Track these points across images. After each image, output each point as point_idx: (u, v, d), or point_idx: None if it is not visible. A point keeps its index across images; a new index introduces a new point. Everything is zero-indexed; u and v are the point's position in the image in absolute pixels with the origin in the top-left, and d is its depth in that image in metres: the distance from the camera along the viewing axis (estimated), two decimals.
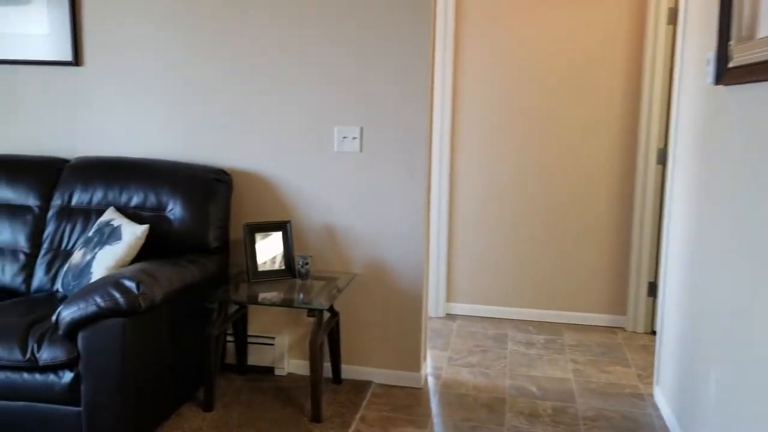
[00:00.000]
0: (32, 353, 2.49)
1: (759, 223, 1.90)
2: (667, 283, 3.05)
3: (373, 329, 3.25)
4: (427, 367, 3.48)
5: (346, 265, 3.23)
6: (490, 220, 4.24)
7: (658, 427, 2.89)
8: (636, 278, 4.07)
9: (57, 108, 3.37)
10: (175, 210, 3.03)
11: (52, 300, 2.87)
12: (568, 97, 4.06)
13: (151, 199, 3.05)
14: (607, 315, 4.20)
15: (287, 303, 2.82)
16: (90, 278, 2.76)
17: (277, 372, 3.32)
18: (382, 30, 3.03)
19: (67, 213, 3.11)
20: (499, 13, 4.06)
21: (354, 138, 3.12)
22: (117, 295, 2.42)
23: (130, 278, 2.47)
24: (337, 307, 3.24)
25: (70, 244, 3.07)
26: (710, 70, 2.46)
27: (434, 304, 4.30)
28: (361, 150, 3.13)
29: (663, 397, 3.02)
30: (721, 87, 2.34)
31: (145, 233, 2.80)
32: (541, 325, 4.20)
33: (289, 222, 3.10)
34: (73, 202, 3.12)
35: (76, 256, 2.89)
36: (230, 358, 3.34)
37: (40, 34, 3.30)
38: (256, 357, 3.32)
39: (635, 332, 4.11)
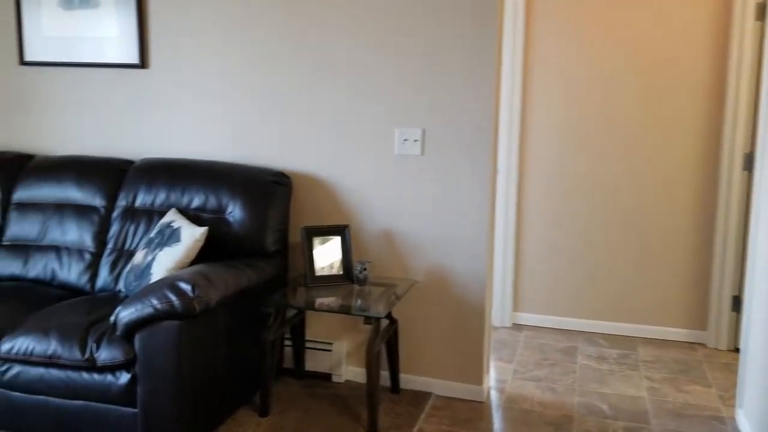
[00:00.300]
0: (91, 353, 2.51)
1: None
2: (753, 298, 2.81)
3: (433, 338, 3.14)
4: (491, 380, 3.35)
5: (405, 271, 3.13)
6: (561, 226, 4.06)
7: None
8: (718, 291, 3.80)
9: (123, 110, 3.42)
10: (234, 212, 3.01)
11: (114, 300, 2.89)
12: (646, 98, 3.84)
13: (212, 201, 3.04)
14: (686, 330, 3.94)
15: (344, 310, 2.75)
16: (150, 279, 2.76)
17: (335, 378, 3.25)
18: (445, 29, 2.92)
19: (131, 214, 3.14)
20: (573, 12, 3.88)
21: (415, 140, 3.03)
22: (173, 297, 2.40)
23: (186, 281, 2.45)
24: (395, 315, 3.15)
25: (134, 245, 3.10)
26: None
27: (500, 313, 4.15)
28: (422, 153, 3.03)
29: (746, 421, 2.79)
30: None
31: (204, 235, 2.79)
32: (614, 339, 3.98)
33: (347, 226, 3.03)
34: (137, 203, 3.15)
35: (138, 257, 2.91)
36: (288, 362, 3.30)
37: (109, 37, 3.35)
38: (313, 362, 3.26)
39: (717, 349, 3.83)
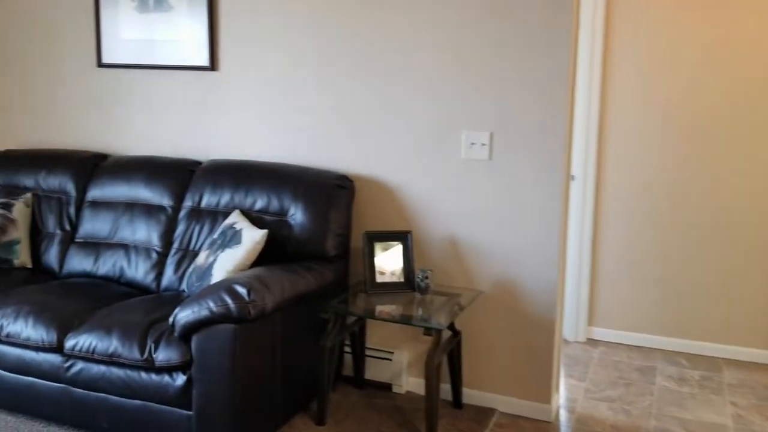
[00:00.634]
0: (149, 353, 2.51)
1: None
2: None
3: (498, 352, 3.00)
4: (560, 399, 3.17)
5: (470, 281, 3.00)
6: (642, 236, 3.82)
7: None
8: None
9: (194, 111, 3.44)
10: (296, 215, 2.96)
11: (177, 300, 2.90)
12: (734, 101, 3.56)
13: (274, 204, 3.01)
14: None
15: (405, 319, 2.65)
16: (210, 280, 2.75)
17: (395, 389, 3.16)
18: (516, 28, 2.78)
19: (197, 214, 3.15)
20: (655, 9, 3.64)
21: (483, 144, 2.89)
22: (229, 300, 2.37)
23: (242, 284, 2.42)
24: (459, 326, 3.03)
25: (198, 245, 3.11)
26: None
27: (573, 327, 3.94)
28: (490, 157, 2.90)
29: None
30: None
31: (264, 238, 2.76)
32: (696, 359, 3.71)
33: (410, 232, 2.93)
34: (203, 203, 3.16)
35: (201, 258, 2.91)
36: (348, 370, 3.23)
37: (181, 39, 3.39)
38: (373, 371, 3.18)
39: None
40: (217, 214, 3.11)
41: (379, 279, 2.90)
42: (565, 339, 3.96)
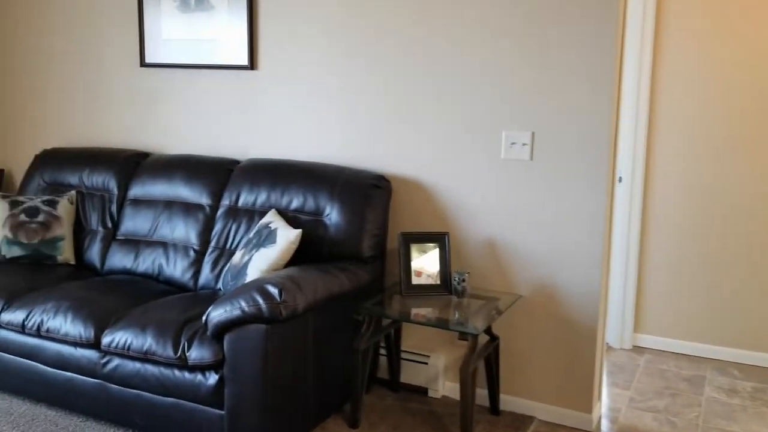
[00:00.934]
0: (183, 351, 2.51)
1: None
2: None
3: (538, 358, 2.91)
4: (602, 408, 3.06)
5: (509, 284, 2.92)
6: (692, 240, 3.66)
7: None
8: None
9: (233, 110, 3.45)
10: (331, 215, 2.93)
11: (213, 299, 2.90)
12: None
13: (310, 203, 2.98)
14: None
15: (441, 323, 2.58)
16: (245, 279, 2.74)
17: (431, 394, 3.10)
18: (560, 24, 2.69)
19: (234, 213, 3.15)
20: (709, 7, 3.49)
21: (524, 144, 2.81)
22: (260, 300, 2.35)
23: (274, 284, 2.39)
24: (497, 331, 2.94)
25: (234, 244, 3.10)
26: None
27: (618, 333, 3.81)
28: (531, 158, 2.81)
29: None
30: None
31: (299, 238, 2.73)
32: (749, 370, 3.54)
33: (447, 234, 2.86)
34: (240, 202, 3.15)
35: (237, 257, 2.90)
36: (383, 372, 3.18)
37: (221, 39, 3.39)
38: (409, 375, 3.12)
39: None
40: (253, 213, 3.10)
41: (414, 281, 2.84)
42: (610, 346, 3.83)
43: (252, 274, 2.72)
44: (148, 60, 3.62)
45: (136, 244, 3.33)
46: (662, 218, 3.71)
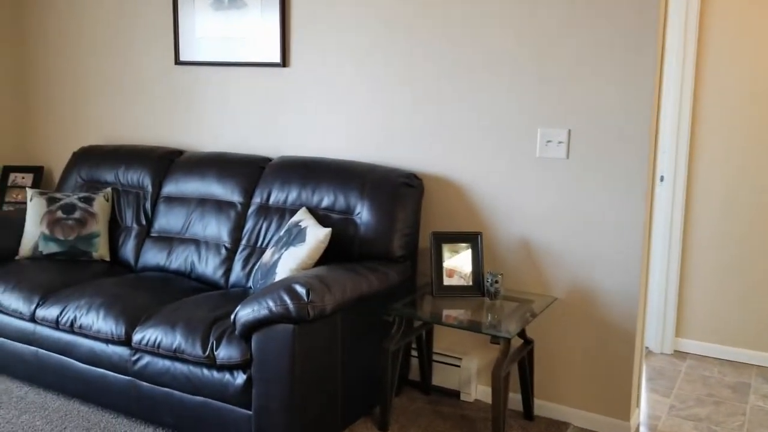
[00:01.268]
0: (211, 350, 2.50)
1: None
2: None
3: (573, 363, 2.82)
4: (641, 415, 2.95)
5: (544, 286, 2.84)
6: (736, 241, 3.52)
7: None
8: None
9: (266, 107, 3.43)
10: (362, 213, 2.89)
11: (243, 297, 2.89)
12: None
13: (340, 201, 2.94)
14: None
15: (473, 327, 2.51)
16: (274, 278, 2.72)
17: (463, 397, 3.03)
18: (598, 18, 2.60)
19: (265, 211, 3.13)
20: (756, 1, 3.35)
21: (560, 142, 2.72)
22: (288, 300, 2.32)
23: (302, 284, 2.36)
24: (531, 334, 2.87)
25: (265, 242, 3.09)
26: None
27: (658, 338, 3.69)
28: (567, 156, 2.72)
29: None
30: None
31: (328, 237, 2.69)
32: None
33: (480, 234, 2.80)
34: (271, 200, 3.13)
35: (267, 255, 2.88)
36: (415, 374, 3.13)
37: (253, 36, 3.38)
38: (441, 377, 3.06)
39: None
40: (284, 211, 3.08)
41: (446, 282, 2.78)
42: (650, 350, 3.71)
43: (281, 272, 2.69)
44: (182, 58, 3.63)
45: (169, 241, 3.35)
46: (706, 218, 3.57)
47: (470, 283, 2.78)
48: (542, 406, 2.90)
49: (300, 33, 3.27)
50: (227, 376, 2.49)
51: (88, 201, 3.49)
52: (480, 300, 2.74)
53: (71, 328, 2.82)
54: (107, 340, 2.75)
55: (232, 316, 2.47)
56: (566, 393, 2.85)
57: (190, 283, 3.15)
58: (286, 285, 2.37)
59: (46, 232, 3.39)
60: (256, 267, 2.94)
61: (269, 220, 3.10)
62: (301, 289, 2.33)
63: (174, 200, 3.41)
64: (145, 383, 2.69)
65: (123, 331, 2.70)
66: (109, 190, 3.58)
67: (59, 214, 3.43)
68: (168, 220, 3.39)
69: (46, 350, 2.95)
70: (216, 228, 3.23)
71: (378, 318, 2.76)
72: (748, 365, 3.54)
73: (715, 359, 3.61)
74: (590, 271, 2.74)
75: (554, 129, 2.73)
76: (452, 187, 2.98)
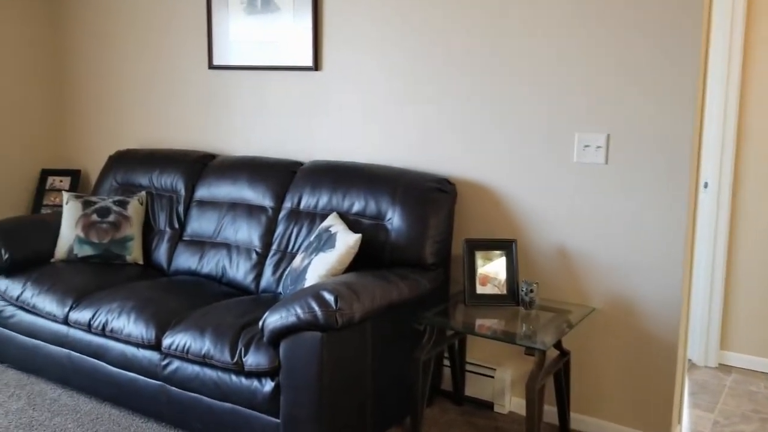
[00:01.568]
0: (240, 356, 2.47)
1: None
2: None
3: (612, 375, 2.72)
4: (682, 431, 2.83)
5: (581, 296, 2.74)
6: None
7: None
8: None
9: (298, 111, 3.40)
10: (393, 219, 2.83)
11: (273, 302, 2.86)
12: None
13: (371, 207, 2.90)
14: None
15: (507, 337, 2.43)
16: (304, 284, 2.68)
17: (497, 409, 2.95)
18: (637, 19, 2.50)
19: (296, 216, 3.10)
20: None
21: (598, 147, 2.63)
22: (316, 307, 2.28)
23: (330, 291, 2.31)
24: (568, 345, 2.77)
25: (295, 247, 3.05)
26: None
27: (702, 350, 3.55)
28: (606, 161, 2.63)
29: None
30: None
31: (358, 243, 2.64)
32: None
33: (515, 241, 2.72)
34: (302, 205, 3.10)
35: (297, 260, 2.85)
36: (447, 384, 3.06)
37: (286, 40, 3.36)
38: (474, 388, 2.99)
39: None
40: (315, 216, 3.04)
41: (479, 290, 2.71)
42: (693, 363, 3.57)
43: (311, 279, 2.66)
44: (215, 62, 3.63)
45: (201, 245, 3.34)
46: (752, 226, 3.42)
47: (504, 292, 2.70)
48: (579, 420, 2.80)
49: (332, 36, 3.24)
50: (255, 383, 2.45)
51: (123, 205, 3.51)
52: (514, 309, 2.66)
53: (103, 332, 2.83)
54: (138, 344, 2.75)
55: (261, 323, 2.44)
56: (604, 407, 2.75)
57: (221, 287, 3.14)
58: (315, 292, 2.33)
59: (81, 235, 3.41)
60: (287, 272, 2.90)
61: (300, 225, 3.07)
62: (329, 296, 2.29)
63: (206, 204, 3.41)
64: (174, 388, 2.67)
65: (153, 335, 2.70)
66: (143, 193, 3.59)
67: (94, 217, 3.45)
68: (200, 224, 3.38)
69: (78, 353, 2.96)
70: (247, 232, 3.21)
71: (409, 326, 2.70)
72: None
73: (762, 373, 3.46)
74: (630, 281, 2.64)
75: (592, 133, 2.64)
76: (486, 192, 2.90)
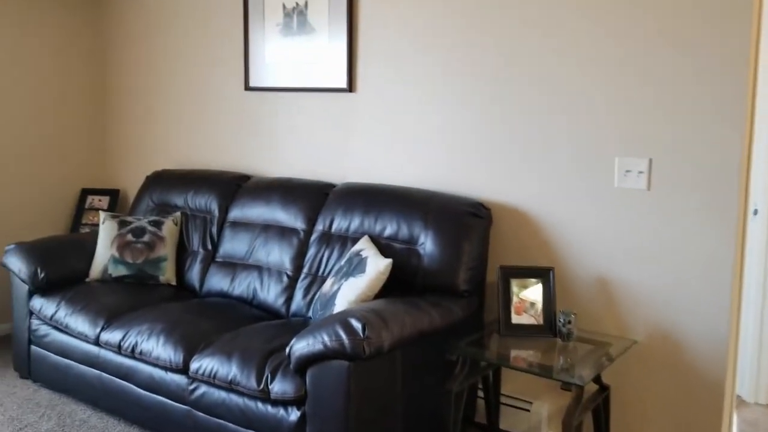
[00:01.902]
0: (266, 383, 2.42)
1: None
2: None
3: (655, 412, 2.58)
4: None
5: (621, 328, 2.62)
6: None
7: None
8: None
9: (332, 133, 3.37)
10: (425, 244, 2.76)
11: (302, 328, 2.80)
12: None
13: (404, 231, 2.83)
14: None
15: (543, 371, 2.32)
16: (333, 310, 2.62)
17: None
18: (682, 40, 2.40)
19: (327, 239, 3.05)
20: None
21: (640, 172, 2.52)
22: (343, 335, 2.21)
23: (358, 319, 2.25)
24: (608, 380, 2.64)
25: (326, 271, 3.00)
26: None
27: (752, 386, 3.36)
28: (648, 187, 2.51)
29: None
30: None
31: (389, 268, 2.58)
32: None
33: (552, 269, 2.61)
34: (333, 228, 3.05)
35: (327, 285, 2.79)
36: (481, 416, 2.95)
37: (321, 62, 3.34)
38: (509, 421, 2.87)
39: None
40: (346, 239, 2.99)
41: (514, 320, 2.61)
42: (742, 399, 3.39)
43: (340, 304, 2.60)
44: (251, 83, 3.63)
45: (233, 266, 3.31)
46: None
47: (541, 322, 2.59)
48: None
49: (366, 58, 3.20)
50: (281, 411, 2.40)
51: (158, 225, 3.51)
52: (551, 341, 2.55)
53: (132, 354, 2.82)
54: (166, 368, 2.72)
55: (287, 349, 2.38)
56: None
57: (252, 310, 3.10)
58: (342, 319, 2.27)
59: (116, 254, 3.42)
60: (317, 296, 2.85)
61: (331, 248, 3.02)
62: (357, 324, 2.22)
63: (239, 225, 3.39)
64: (201, 413, 2.63)
65: (181, 359, 2.67)
66: (178, 214, 3.59)
67: (129, 237, 3.46)
68: (233, 245, 3.36)
69: (109, 374, 2.95)
70: (278, 255, 3.18)
71: (441, 356, 2.61)
72: None
73: None
74: (674, 313, 2.51)
75: (634, 158, 2.53)
76: (522, 217, 2.81)
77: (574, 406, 2.28)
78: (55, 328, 3.17)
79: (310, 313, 2.96)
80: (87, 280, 3.43)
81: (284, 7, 3.43)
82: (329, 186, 3.24)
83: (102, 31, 4.30)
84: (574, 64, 2.64)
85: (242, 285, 3.23)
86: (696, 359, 2.49)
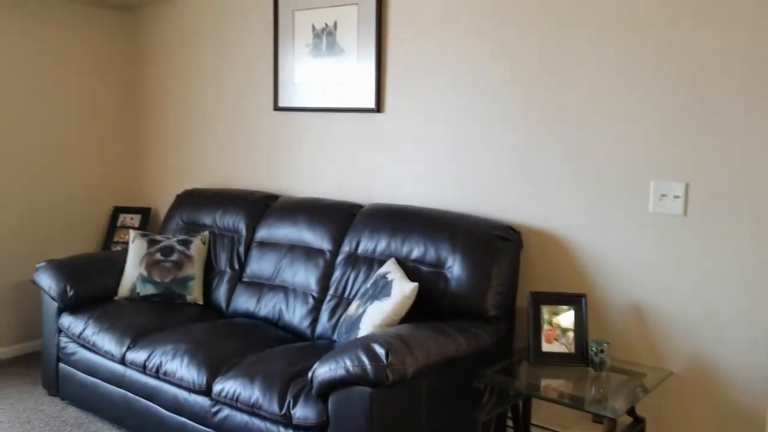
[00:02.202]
0: (288, 408, 2.38)
1: None
2: None
3: None
4: None
5: (657, 358, 2.51)
6: None
7: None
8: None
9: (359, 153, 3.35)
10: (453, 268, 2.70)
11: (327, 351, 2.75)
12: None
13: (431, 253, 2.77)
14: None
15: (575, 403, 2.23)
16: (357, 333, 2.57)
17: None
18: (720, 60, 2.31)
19: (353, 260, 3.01)
20: None
21: (676, 197, 2.43)
22: (365, 361, 2.16)
23: (382, 344, 2.19)
24: (642, 412, 2.54)
25: (352, 293, 2.96)
26: None
27: None
28: (685, 213, 2.42)
29: None
30: None
31: (414, 292, 2.52)
32: None
33: (584, 296, 2.53)
34: (360, 249, 3.01)
35: (352, 307, 2.75)
36: None
37: (349, 82, 3.33)
38: None
39: None
40: (373, 261, 2.94)
41: (545, 348, 2.52)
42: None
43: (365, 328, 2.54)
44: (281, 104, 3.63)
45: (259, 287, 3.29)
46: None
47: (572, 351, 2.50)
48: None
49: (394, 79, 3.17)
50: None
51: (186, 244, 3.51)
52: (583, 370, 2.46)
53: (157, 374, 2.80)
54: (189, 389, 2.70)
55: (310, 373, 2.34)
56: None
57: (277, 332, 3.07)
58: (366, 344, 2.21)
59: (144, 273, 3.43)
60: (342, 319, 2.81)
61: (357, 270, 2.98)
62: (380, 350, 2.17)
63: (266, 245, 3.37)
64: None
65: (204, 380, 2.64)
66: (206, 233, 3.59)
67: (158, 256, 3.47)
68: (260, 265, 3.34)
69: (134, 394, 2.94)
70: (304, 276, 3.14)
71: (468, 384, 2.53)
72: None
73: None
74: (712, 343, 2.40)
75: (670, 182, 2.44)
76: (553, 242, 2.73)
77: None
78: (83, 346, 3.18)
79: (335, 336, 2.91)
80: (115, 298, 3.44)
81: (314, 28, 3.43)
82: (356, 207, 3.20)
83: (136, 52, 4.36)
84: (608, 86, 2.57)
85: (268, 306, 3.20)
86: (737, 392, 2.37)
